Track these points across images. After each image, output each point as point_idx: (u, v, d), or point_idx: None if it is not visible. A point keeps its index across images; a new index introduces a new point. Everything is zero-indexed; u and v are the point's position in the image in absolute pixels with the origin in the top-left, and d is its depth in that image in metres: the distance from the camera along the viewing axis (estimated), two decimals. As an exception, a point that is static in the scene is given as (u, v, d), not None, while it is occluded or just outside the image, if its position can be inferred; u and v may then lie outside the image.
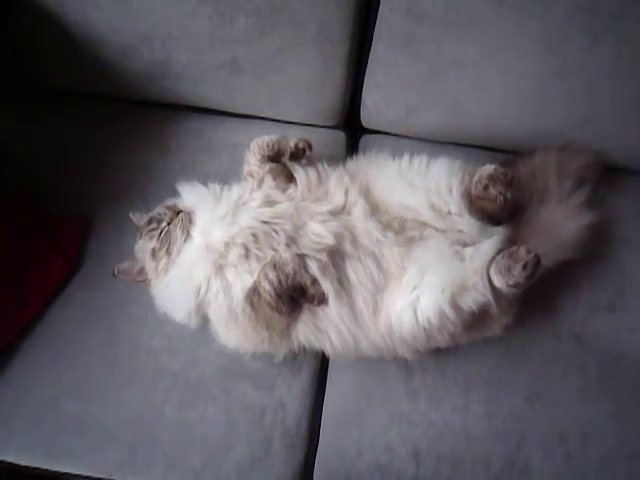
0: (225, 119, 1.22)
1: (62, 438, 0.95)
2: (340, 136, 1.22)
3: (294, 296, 0.88)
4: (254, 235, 0.90)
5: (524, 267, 0.85)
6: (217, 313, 0.93)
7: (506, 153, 1.16)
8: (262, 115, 1.20)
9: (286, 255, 0.88)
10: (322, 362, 1.04)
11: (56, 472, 0.96)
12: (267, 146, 0.98)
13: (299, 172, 0.99)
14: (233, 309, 0.90)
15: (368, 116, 1.17)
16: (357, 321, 0.90)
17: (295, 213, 0.93)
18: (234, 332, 0.94)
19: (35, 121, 1.22)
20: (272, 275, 0.87)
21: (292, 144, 1.00)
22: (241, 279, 0.89)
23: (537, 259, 0.86)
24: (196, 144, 1.19)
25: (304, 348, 0.96)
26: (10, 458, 0.96)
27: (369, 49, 1.06)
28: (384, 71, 1.06)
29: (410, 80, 1.07)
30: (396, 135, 1.20)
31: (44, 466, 0.96)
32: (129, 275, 0.97)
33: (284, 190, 0.98)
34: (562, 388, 0.99)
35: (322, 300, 0.90)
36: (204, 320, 0.96)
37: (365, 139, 1.22)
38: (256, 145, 0.99)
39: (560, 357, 1.02)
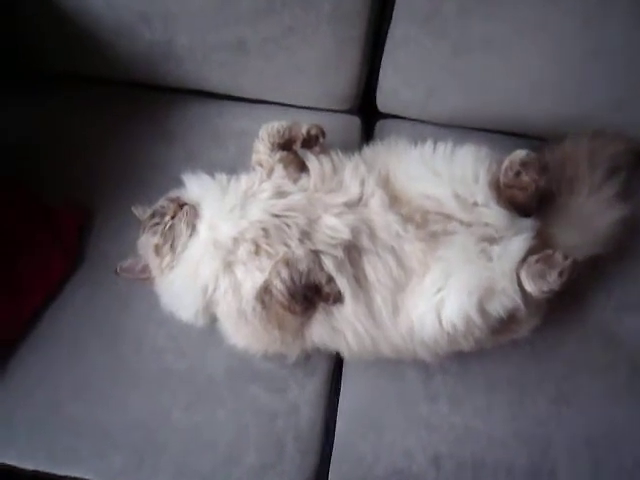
0: (231, 104, 1.15)
1: (65, 441, 0.91)
2: (354, 121, 1.14)
3: (308, 295, 0.83)
4: (264, 230, 0.84)
5: (560, 274, 0.79)
6: (226, 312, 0.87)
7: (532, 140, 1.09)
8: (270, 99, 1.13)
9: (299, 251, 0.82)
10: (336, 363, 0.99)
11: (56, 476, 0.93)
12: (277, 133, 0.91)
13: (312, 161, 0.92)
14: (243, 308, 0.85)
15: (385, 99, 1.10)
16: (375, 321, 0.85)
17: (308, 205, 0.87)
18: (244, 332, 0.89)
19: (32, 106, 1.15)
20: (284, 273, 0.81)
21: (304, 131, 0.93)
22: (251, 277, 0.84)
23: (574, 265, 0.79)
24: (201, 131, 1.12)
25: (318, 348, 0.91)
26: (12, 461, 0.92)
27: (387, 27, 0.98)
28: (404, 50, 0.98)
29: (432, 60, 0.99)
30: (414, 120, 1.12)
31: (46, 470, 0.92)
32: (132, 273, 0.91)
33: (296, 180, 0.91)
34: (590, 391, 0.94)
35: (338, 299, 0.84)
36: (212, 319, 0.92)
37: (381, 124, 1.15)
38: (265, 132, 0.92)
39: (589, 358, 0.95)
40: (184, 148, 1.10)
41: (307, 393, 0.95)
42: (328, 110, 1.13)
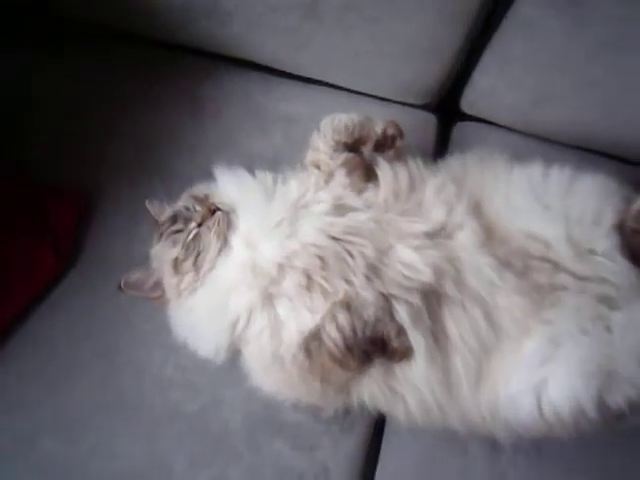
0: (281, 81, 0.93)
1: (34, 484, 0.73)
2: (429, 120, 0.93)
3: (369, 349, 0.63)
4: (320, 258, 0.65)
5: None
6: (256, 354, 0.69)
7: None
8: (331, 81, 0.91)
9: (365, 293, 0.63)
10: (378, 421, 0.81)
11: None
12: (345, 129, 0.71)
13: (384, 169, 0.72)
14: (280, 354, 0.66)
15: (475, 98, 0.88)
16: (450, 390, 0.66)
17: (377, 229, 0.67)
18: (275, 377, 0.70)
19: (35, 64, 0.93)
20: (344, 320, 0.62)
21: (379, 129, 0.72)
22: (298, 318, 0.64)
23: None
24: (240, 110, 0.90)
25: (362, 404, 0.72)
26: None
27: (504, 8, 0.74)
28: (521, 40, 0.75)
29: (560, 57, 0.77)
30: (501, 127, 0.91)
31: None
32: (140, 290, 0.71)
33: (360, 191, 0.72)
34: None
35: (405, 356, 0.65)
36: (234, 354, 0.73)
37: (461, 127, 0.93)
38: (330, 126, 0.71)
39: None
40: (217, 130, 0.88)
41: (340, 454, 0.77)
42: (401, 103, 0.91)
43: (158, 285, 0.71)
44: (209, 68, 0.93)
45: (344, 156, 0.71)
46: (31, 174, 0.82)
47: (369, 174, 0.73)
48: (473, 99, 0.87)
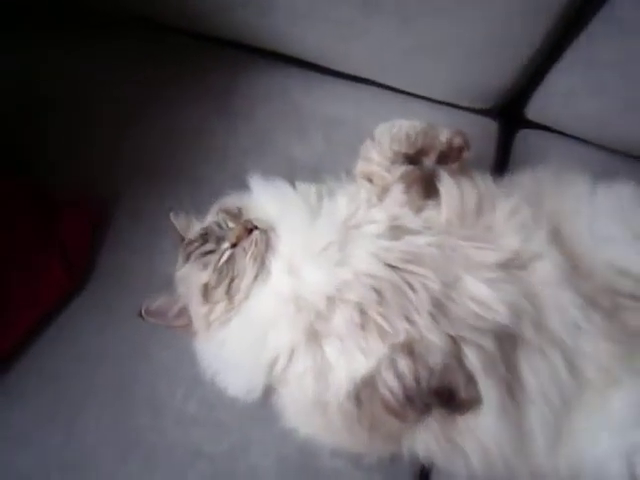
0: (324, 79, 0.82)
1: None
2: (490, 127, 0.82)
3: (431, 401, 0.54)
4: (377, 290, 0.55)
5: None
6: (295, 396, 0.60)
7: None
8: (380, 80, 0.80)
9: (432, 336, 0.53)
10: (424, 469, 0.72)
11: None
12: (406, 138, 0.61)
13: (448, 185, 0.62)
14: (324, 399, 0.56)
15: (545, 104, 0.77)
16: (521, 445, 0.57)
17: (441, 257, 0.57)
18: (315, 421, 0.61)
19: (47, 57, 0.83)
20: (405, 366, 0.53)
21: (444, 139, 0.62)
22: (348, 361, 0.55)
23: None
24: (277, 110, 0.80)
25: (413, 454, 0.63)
26: None
27: (598, 5, 0.63)
28: (615, 41, 0.64)
29: None
30: (570, 137, 0.80)
31: None
32: (163, 318, 0.62)
33: (418, 210, 0.61)
34: None
35: (472, 407, 0.55)
36: (268, 392, 0.64)
37: (524, 136, 0.82)
38: (387, 134, 0.62)
39: None
40: (250, 132, 0.78)
41: (383, 506, 0.68)
42: (458, 107, 0.80)
43: (184, 313, 0.62)
44: (243, 62, 0.83)
45: (402, 169, 0.62)
46: (40, 179, 0.72)
47: (429, 190, 0.63)
48: (543, 104, 0.76)
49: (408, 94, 0.80)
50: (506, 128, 0.84)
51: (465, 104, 0.79)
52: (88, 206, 0.71)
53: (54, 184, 0.71)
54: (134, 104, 0.79)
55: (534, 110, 0.79)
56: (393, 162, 0.62)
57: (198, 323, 0.60)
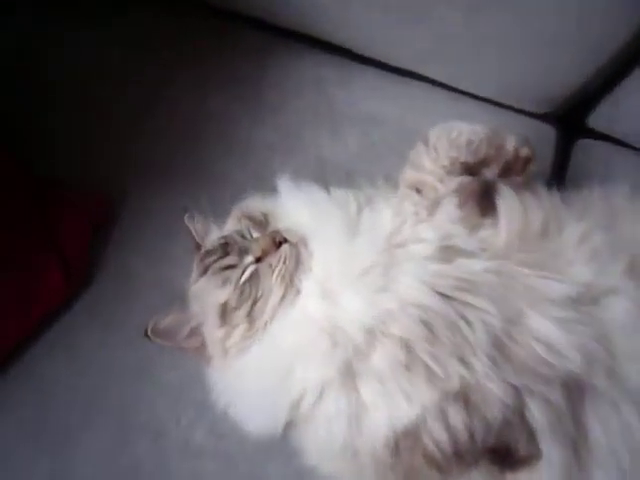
0: (364, 70, 0.73)
1: None
2: (548, 134, 0.73)
3: (482, 457, 0.46)
4: (427, 324, 0.47)
5: None
6: (322, 438, 0.51)
7: None
8: (430, 75, 0.71)
9: (491, 384, 0.45)
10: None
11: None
12: (468, 145, 0.53)
13: (510, 201, 0.54)
14: (356, 447, 0.48)
15: (617, 112, 0.67)
16: (582, 514, 0.49)
17: (500, 286, 0.49)
18: (341, 465, 0.53)
19: (53, 37, 0.74)
20: (457, 418, 0.45)
21: (510, 147, 0.54)
22: (389, 406, 0.46)
23: None
24: (309, 103, 0.71)
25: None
26: None
27: None
28: None
29: None
30: (635, 149, 0.71)
31: None
32: (172, 339, 0.53)
33: (473, 229, 0.53)
34: None
35: (528, 464, 0.48)
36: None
37: (584, 147, 0.73)
38: (446, 139, 0.53)
39: None
40: (278, 126, 0.70)
41: None
42: (514, 109, 0.71)
43: (197, 333, 0.54)
44: (273, 46, 0.73)
45: (458, 180, 0.53)
46: (41, 170, 0.64)
47: (486, 206, 0.55)
48: (612, 112, 0.67)
49: (459, 92, 0.71)
50: (564, 136, 0.74)
51: (524, 107, 0.70)
52: (90, 204, 0.63)
53: (56, 177, 0.63)
54: (149, 90, 0.70)
55: (600, 118, 0.70)
56: (449, 172, 0.53)
57: (213, 348, 0.52)
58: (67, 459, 0.59)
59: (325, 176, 0.61)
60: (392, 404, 0.47)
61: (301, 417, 0.52)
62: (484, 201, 0.55)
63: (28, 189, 0.59)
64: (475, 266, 0.50)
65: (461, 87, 0.70)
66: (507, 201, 0.54)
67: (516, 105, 0.70)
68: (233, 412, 0.54)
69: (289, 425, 0.55)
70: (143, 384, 0.61)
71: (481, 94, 0.70)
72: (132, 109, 0.70)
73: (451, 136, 0.53)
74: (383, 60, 0.71)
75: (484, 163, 0.54)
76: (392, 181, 0.59)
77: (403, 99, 0.69)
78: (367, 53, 0.71)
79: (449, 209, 0.54)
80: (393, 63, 0.71)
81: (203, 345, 0.54)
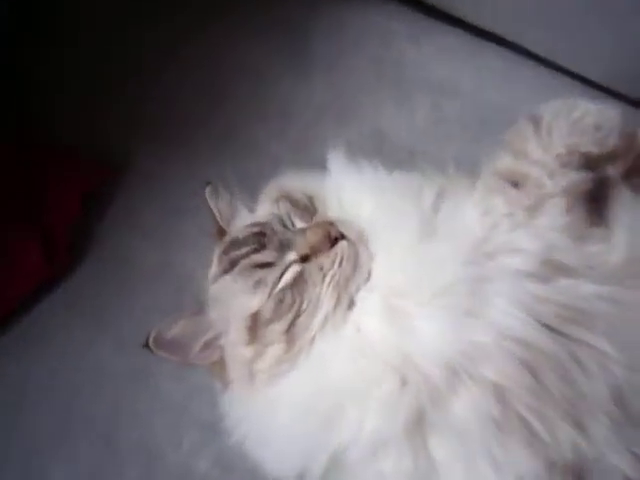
0: (442, 29, 0.59)
1: None
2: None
3: None
4: (530, 369, 0.35)
5: None
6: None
7: None
8: (521, 42, 0.56)
9: (613, 458, 0.34)
10: None
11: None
12: (595, 130, 0.40)
13: (631, 209, 0.41)
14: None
15: None
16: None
17: (618, 319, 0.37)
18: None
19: None
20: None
21: (643, 141, 0.41)
22: (469, 474, 0.35)
23: None
24: (369, 63, 0.58)
25: None
26: None
27: None
28: None
29: None
30: None
31: None
32: (180, 352, 0.41)
33: (579, 240, 0.41)
34: None
35: None
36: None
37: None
38: (565, 119, 0.41)
39: None
40: (329, 87, 0.57)
41: None
42: (606, 91, 0.57)
43: (213, 346, 0.42)
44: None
45: (572, 176, 0.41)
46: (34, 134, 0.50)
47: (597, 213, 0.43)
48: None
49: (553, 67, 0.56)
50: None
51: (619, 89, 0.55)
52: (84, 172, 0.49)
53: (54, 142, 0.49)
54: (171, 35, 0.56)
55: None
56: (563, 164, 0.41)
57: (236, 369, 0.40)
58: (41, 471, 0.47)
59: (381, 154, 0.48)
60: (474, 472, 0.36)
61: (341, 469, 0.41)
62: (596, 206, 0.43)
63: (8, 154, 0.46)
64: (584, 289, 0.39)
65: (560, 62, 0.56)
66: (628, 209, 0.43)
67: (625, 91, 0.56)
68: (251, 447, 0.43)
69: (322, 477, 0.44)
70: (137, 393, 0.50)
71: (583, 73, 0.56)
72: (147, 68, 0.56)
73: (573, 116, 0.40)
74: (468, 20, 0.56)
75: (610, 158, 0.41)
76: (463, 169, 0.47)
77: (483, 69, 0.56)
78: (448, 8, 0.56)
79: (555, 213, 0.41)
80: (479, 24, 0.56)
81: (221, 364, 0.42)
